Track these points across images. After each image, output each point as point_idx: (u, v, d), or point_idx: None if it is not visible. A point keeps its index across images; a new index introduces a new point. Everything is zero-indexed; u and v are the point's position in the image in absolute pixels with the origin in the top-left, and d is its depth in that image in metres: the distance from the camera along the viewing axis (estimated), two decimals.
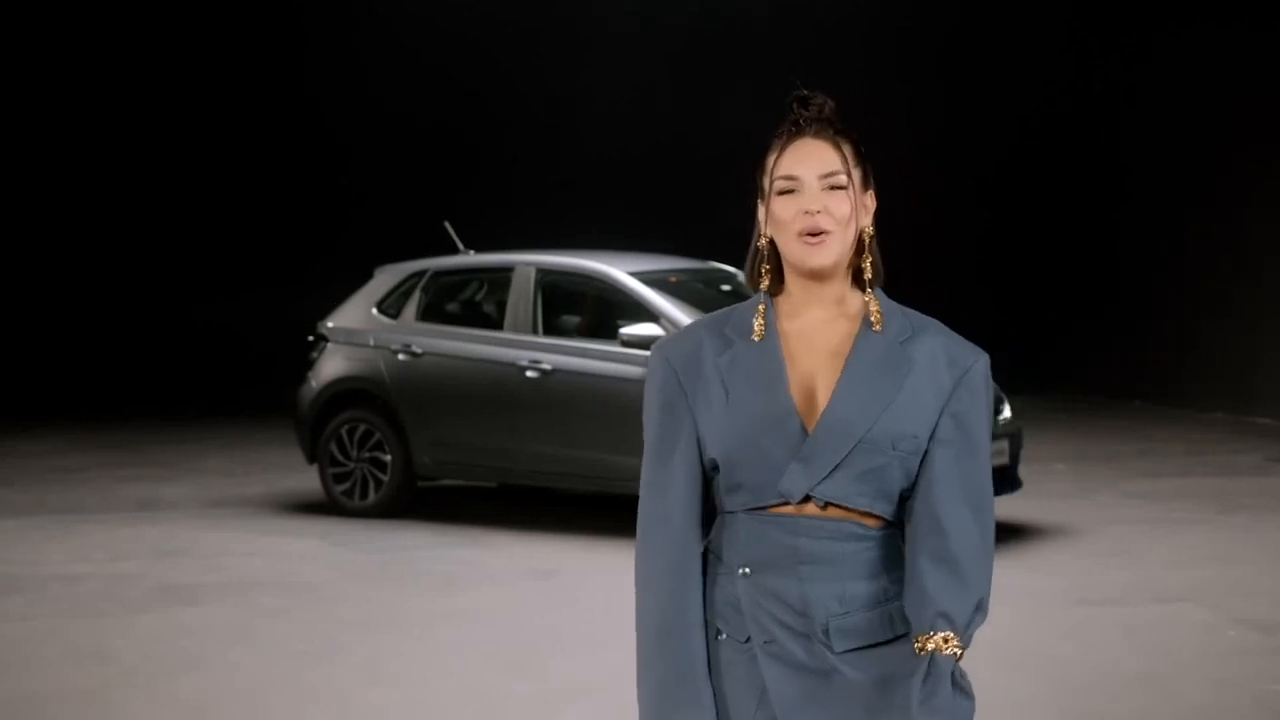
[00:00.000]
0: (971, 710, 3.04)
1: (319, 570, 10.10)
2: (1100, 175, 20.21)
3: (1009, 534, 11.05)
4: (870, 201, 3.12)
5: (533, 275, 11.51)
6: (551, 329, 11.45)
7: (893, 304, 3.15)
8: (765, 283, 3.11)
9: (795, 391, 3.04)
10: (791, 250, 3.05)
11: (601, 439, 10.84)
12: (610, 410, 10.84)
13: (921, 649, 3.01)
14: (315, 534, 11.20)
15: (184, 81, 20.84)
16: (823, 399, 3.04)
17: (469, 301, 12.06)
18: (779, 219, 3.06)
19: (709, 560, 3.13)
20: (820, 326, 3.10)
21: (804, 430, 3.02)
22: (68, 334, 20.42)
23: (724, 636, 3.08)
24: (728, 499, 3.08)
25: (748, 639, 3.06)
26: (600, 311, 11.51)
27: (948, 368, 3.09)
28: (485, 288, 12.03)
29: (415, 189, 19.96)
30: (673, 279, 11.71)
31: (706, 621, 3.09)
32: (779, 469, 3.01)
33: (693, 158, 19.49)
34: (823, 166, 3.05)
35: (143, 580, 9.72)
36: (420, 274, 12.02)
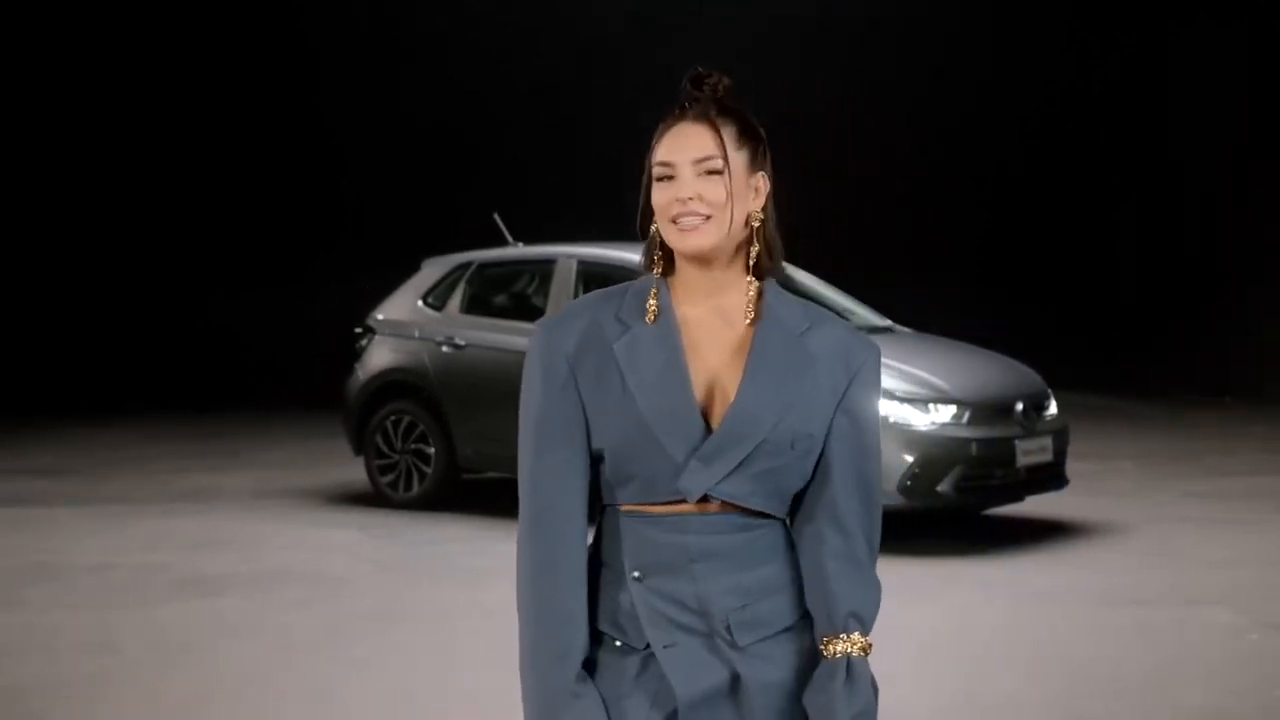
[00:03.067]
0: (877, 704, 2.97)
1: (351, 563, 10.10)
2: (1186, 169, 19.90)
3: (1053, 532, 10.88)
4: (762, 184, 2.99)
5: (574, 267, 11.46)
6: None
7: (786, 294, 3.05)
8: (658, 269, 3.02)
9: (696, 386, 2.94)
10: (668, 235, 2.96)
11: None
12: None
13: (834, 653, 2.93)
14: (356, 526, 11.22)
15: (197, 85, 21.00)
16: (723, 395, 2.94)
17: (513, 294, 12.02)
18: (656, 205, 2.96)
19: (594, 565, 3.02)
20: (715, 316, 2.99)
21: (705, 427, 2.92)
22: (108, 331, 20.64)
23: (619, 644, 2.98)
24: (616, 492, 2.97)
25: (646, 645, 2.96)
26: None
27: (843, 363, 3.01)
28: (528, 280, 11.99)
29: (451, 184, 19.99)
30: None
31: (596, 628, 2.98)
32: (675, 464, 2.90)
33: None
34: (697, 151, 2.93)
35: (170, 571, 9.77)
36: (465, 266, 12.01)
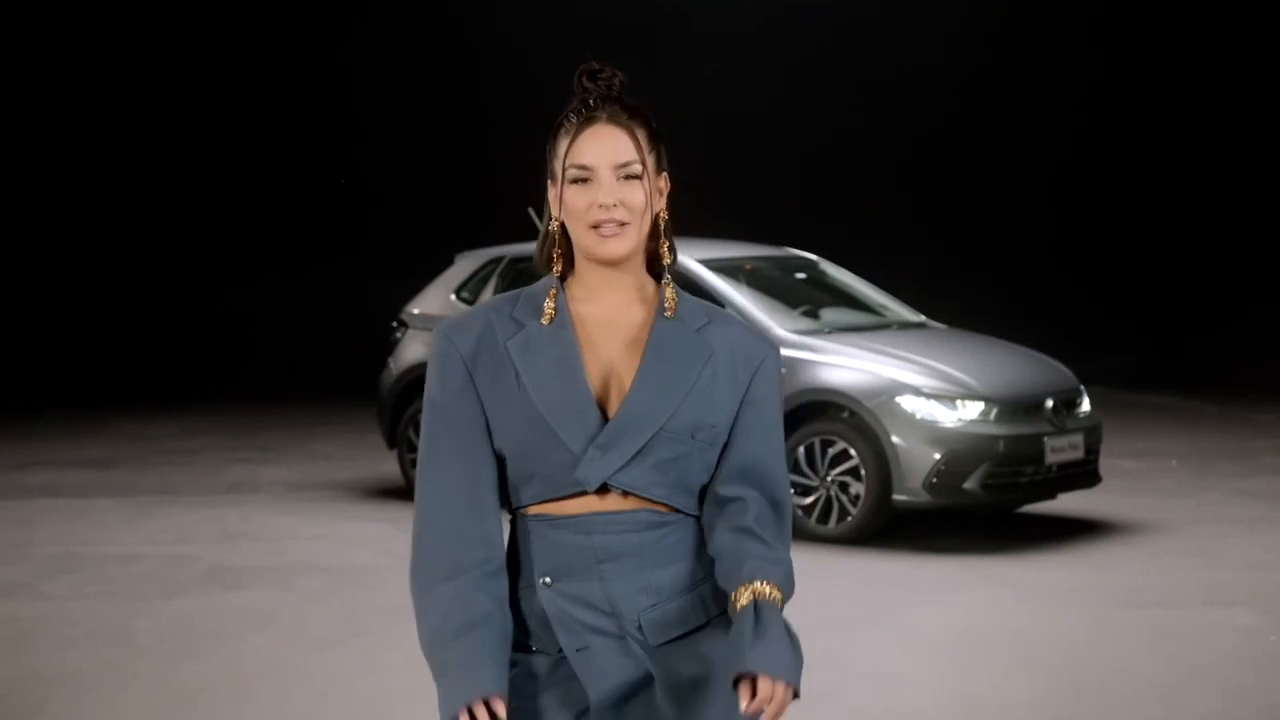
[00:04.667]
0: (801, 663, 2.89)
1: (377, 556, 10.12)
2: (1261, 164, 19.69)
3: (1084, 530, 10.77)
4: (664, 184, 3.03)
5: None
6: None
7: (684, 293, 3.08)
8: (557, 267, 3.02)
9: (593, 378, 2.95)
10: (585, 241, 2.96)
11: None
12: None
13: (738, 601, 2.86)
14: (387, 519, 11.24)
15: (227, 75, 21.10)
16: (619, 386, 2.96)
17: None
18: (572, 208, 2.95)
19: (506, 574, 3.01)
20: (615, 312, 3.01)
21: (602, 418, 2.92)
22: (151, 324, 20.77)
23: (534, 650, 2.98)
24: (520, 492, 2.98)
25: (558, 649, 2.96)
26: None
27: (744, 358, 3.04)
28: None
29: (486, 177, 20.03)
30: (748, 266, 11.57)
31: (511, 635, 2.97)
32: (573, 456, 2.91)
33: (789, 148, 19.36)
34: (617, 156, 2.94)
35: (197, 563, 9.82)
36: (498, 260, 12.02)
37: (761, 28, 21.28)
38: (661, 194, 3.01)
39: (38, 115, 20.82)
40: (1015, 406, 10.36)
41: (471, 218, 18.13)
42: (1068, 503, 11.18)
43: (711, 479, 3.01)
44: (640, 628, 2.95)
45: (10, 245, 20.56)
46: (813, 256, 12.11)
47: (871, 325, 11.33)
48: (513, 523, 3.05)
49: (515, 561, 3.02)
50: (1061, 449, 10.44)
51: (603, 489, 2.93)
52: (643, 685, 2.95)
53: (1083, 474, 10.73)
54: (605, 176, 2.93)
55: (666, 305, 3.02)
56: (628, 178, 2.94)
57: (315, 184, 21.35)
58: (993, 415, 10.22)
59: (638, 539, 2.95)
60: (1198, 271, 21.28)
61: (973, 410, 10.19)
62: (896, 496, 10.05)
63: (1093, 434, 10.76)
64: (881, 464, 10.09)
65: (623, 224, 2.93)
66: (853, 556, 9.86)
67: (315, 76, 21.29)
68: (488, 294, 11.88)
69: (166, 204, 21.31)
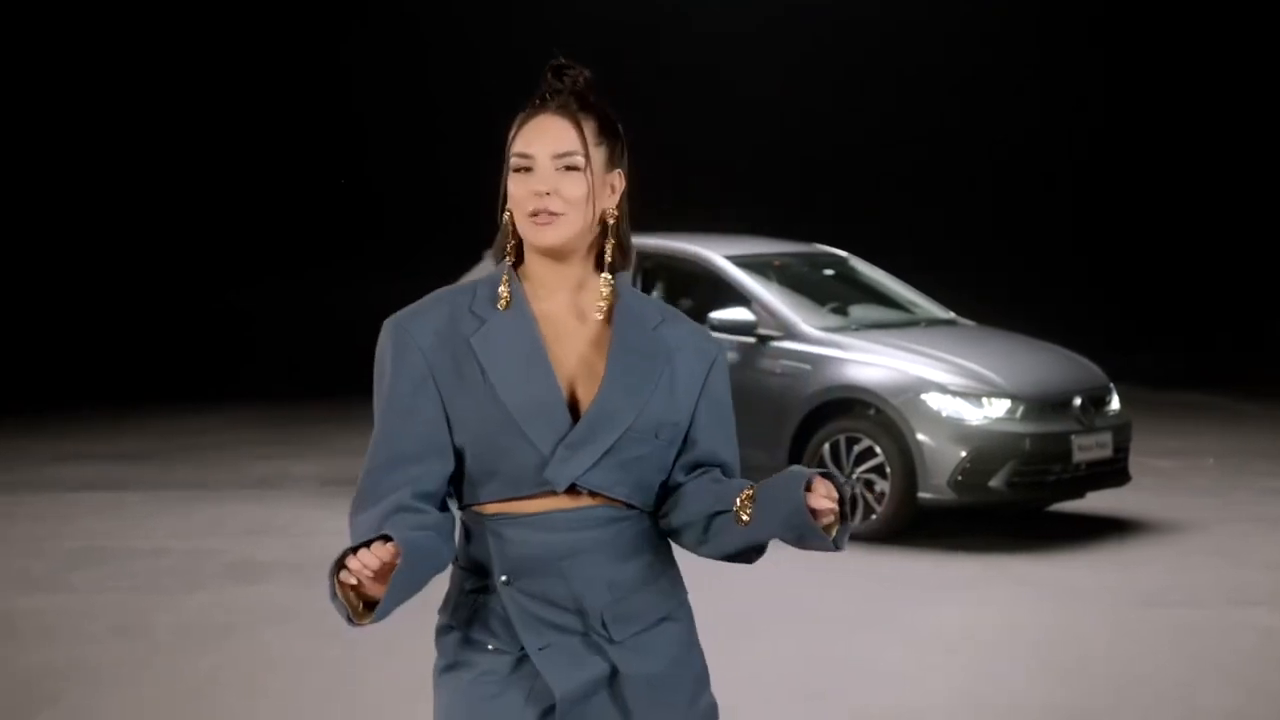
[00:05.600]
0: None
1: None
2: None
3: (1111, 529, 10.72)
4: (618, 182, 3.00)
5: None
6: None
7: (635, 290, 3.07)
8: (511, 259, 3.01)
9: (559, 377, 2.94)
10: (524, 229, 2.95)
11: None
12: None
13: (746, 497, 2.83)
14: None
15: (231, 74, 21.12)
16: (583, 385, 2.95)
17: None
18: (513, 196, 2.95)
19: (461, 575, 3.02)
20: (568, 310, 3.00)
21: (570, 416, 2.91)
22: (180, 318, 20.83)
23: (491, 648, 2.97)
24: (479, 490, 2.95)
25: (520, 648, 2.95)
26: (696, 295, 11.40)
27: (697, 355, 3.04)
28: None
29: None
30: (777, 263, 11.55)
31: (469, 638, 2.97)
32: (541, 456, 2.89)
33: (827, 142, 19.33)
34: (558, 145, 2.92)
35: (220, 557, 9.86)
36: None
37: (764, 26, 21.23)
38: (613, 191, 2.99)
39: (37, 116, 20.93)
40: (1042, 404, 10.30)
41: (471, 218, 18.13)
42: (1097, 502, 11.11)
43: (669, 475, 3.01)
44: (604, 623, 2.94)
45: (10, 246, 20.69)
46: (842, 253, 12.08)
47: (900, 322, 11.29)
48: (463, 521, 3.03)
49: (469, 558, 3.01)
50: (1089, 447, 10.38)
51: (568, 489, 2.92)
52: (607, 681, 2.95)
53: (1111, 473, 10.67)
54: (544, 165, 2.92)
55: (622, 304, 3.00)
56: (567, 168, 2.91)
57: (315, 184, 21.39)
58: (1019, 413, 10.17)
59: (598, 535, 2.95)
60: (1229, 269, 21.13)
61: (999, 408, 10.14)
62: (921, 494, 10.01)
63: (1121, 432, 10.69)
64: (906, 462, 10.05)
65: (556, 214, 2.91)
66: (875, 554, 9.82)
67: (315, 76, 21.34)
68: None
69: (166, 204, 21.38)
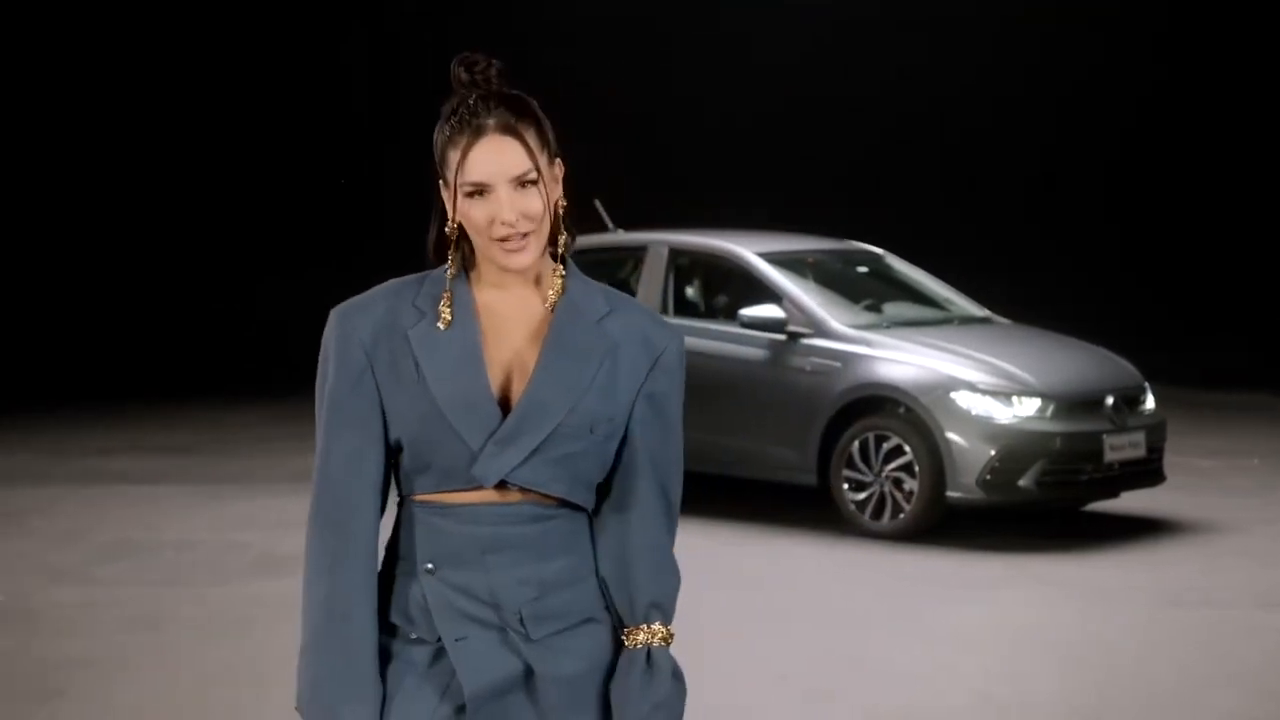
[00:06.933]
0: (685, 692, 2.98)
1: None
2: None
3: (1146, 529, 10.62)
4: (559, 170, 2.96)
5: (665, 254, 11.40)
6: (682, 309, 11.33)
7: (588, 280, 3.03)
8: (453, 269, 2.98)
9: (493, 372, 2.92)
10: (489, 252, 2.90)
11: (714, 421, 10.68)
12: (724, 393, 10.69)
13: (635, 643, 2.94)
14: None
15: (220, 79, 21.12)
16: (520, 380, 2.92)
17: (606, 281, 11.95)
18: (472, 222, 2.89)
19: (389, 558, 3.01)
20: (515, 302, 2.97)
21: (500, 412, 2.89)
22: (217, 313, 20.88)
23: (413, 636, 2.96)
24: (414, 482, 2.95)
25: (438, 639, 2.94)
26: (728, 291, 11.37)
27: (644, 348, 2.98)
28: (620, 267, 11.95)
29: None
30: (810, 260, 11.50)
31: (389, 620, 2.98)
32: (472, 452, 2.88)
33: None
34: (514, 169, 2.86)
35: (248, 551, 9.91)
36: None
37: (805, 19, 21.13)
38: (557, 181, 2.95)
39: (38, 117, 21.04)
40: (1073, 403, 10.22)
41: None
42: (1132, 502, 11.01)
43: (609, 473, 2.98)
44: (522, 620, 2.92)
45: (10, 246, 20.83)
46: (878, 250, 12.01)
47: (933, 320, 11.22)
48: (399, 506, 3.03)
49: (398, 545, 3.00)
50: (1122, 447, 10.28)
51: (499, 484, 2.90)
52: (522, 679, 2.93)
53: (1145, 473, 10.58)
54: (503, 190, 2.86)
55: (567, 295, 2.97)
56: (525, 184, 2.88)
57: (315, 184, 21.43)
58: (1049, 412, 10.09)
59: (524, 531, 2.92)
60: (1271, 269, 20.93)
61: (1029, 407, 10.06)
62: (950, 493, 9.95)
63: (1156, 432, 10.59)
64: (935, 460, 9.99)
65: (526, 234, 2.88)
66: (902, 553, 9.76)
67: (315, 76, 21.37)
68: None
69: (165, 203, 21.46)
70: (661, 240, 11.52)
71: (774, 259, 11.12)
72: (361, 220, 21.20)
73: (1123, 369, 10.84)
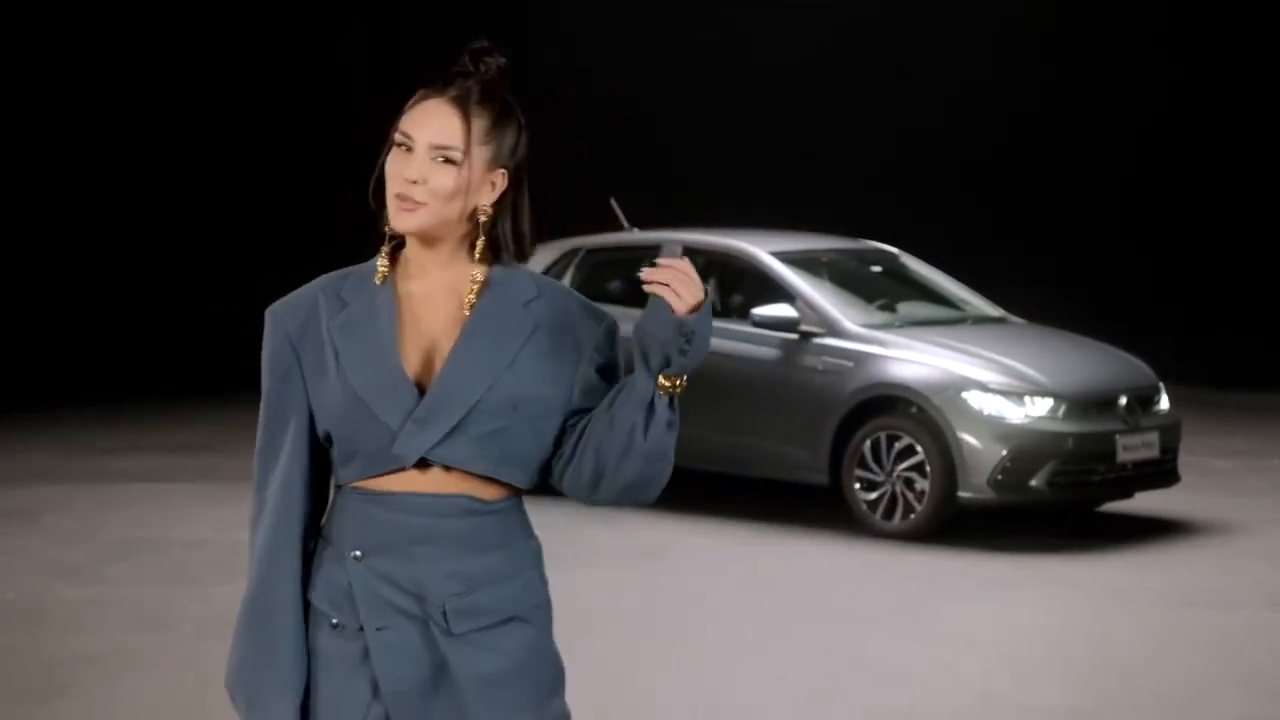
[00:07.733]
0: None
1: None
2: None
3: (1159, 530, 10.56)
4: (500, 181, 2.97)
5: (678, 253, 11.33)
6: None
7: (521, 269, 3.03)
8: (384, 260, 3.01)
9: (412, 355, 2.95)
10: (389, 207, 2.96)
11: (726, 421, 10.64)
12: (736, 392, 10.66)
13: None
14: None
15: (219, 79, 21.11)
16: (441, 362, 2.95)
17: (621, 279, 11.95)
18: (387, 172, 2.96)
19: (320, 543, 3.03)
20: (440, 290, 2.99)
21: (418, 393, 2.92)
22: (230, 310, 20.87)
23: (335, 622, 2.98)
24: (343, 470, 2.98)
25: (361, 627, 2.95)
26: (741, 290, 11.34)
27: (579, 329, 2.99)
28: (636, 265, 11.89)
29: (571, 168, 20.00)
30: (824, 259, 11.47)
31: (314, 607, 3.00)
32: (392, 433, 2.90)
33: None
34: (439, 137, 2.92)
35: None
36: (574, 252, 11.97)
37: (819, 24, 21.10)
38: (492, 189, 2.96)
39: (38, 117, 21.05)
40: (1086, 403, 10.17)
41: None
42: (1147, 502, 10.95)
43: (575, 445, 2.97)
44: (444, 614, 2.92)
45: (10, 246, 20.84)
46: (893, 249, 11.97)
47: (947, 320, 11.17)
48: (336, 493, 3.06)
49: (330, 530, 3.02)
50: (1135, 447, 10.23)
51: (424, 465, 2.91)
52: (441, 673, 2.94)
53: (1159, 473, 10.52)
54: (421, 151, 2.91)
55: (494, 281, 2.97)
56: (444, 160, 2.91)
57: (315, 184, 21.43)
58: (1061, 412, 10.04)
59: (454, 524, 2.94)
60: None
61: (1041, 407, 10.02)
62: (961, 493, 9.90)
63: (1170, 432, 10.53)
64: (947, 460, 9.94)
65: (419, 203, 2.91)
66: (912, 553, 9.72)
67: (315, 76, 21.37)
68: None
69: (165, 203, 21.46)
70: (675, 239, 11.51)
71: (787, 258, 11.09)
72: (361, 220, 21.17)
73: (1137, 369, 10.79)
